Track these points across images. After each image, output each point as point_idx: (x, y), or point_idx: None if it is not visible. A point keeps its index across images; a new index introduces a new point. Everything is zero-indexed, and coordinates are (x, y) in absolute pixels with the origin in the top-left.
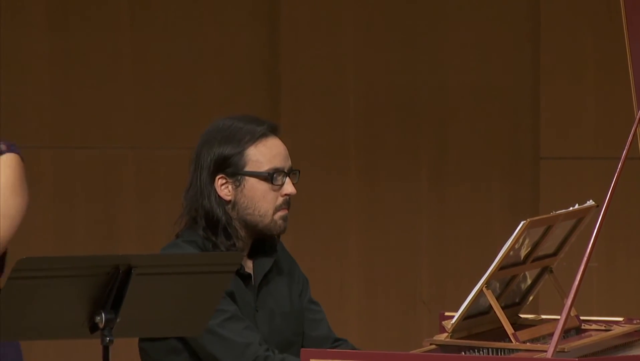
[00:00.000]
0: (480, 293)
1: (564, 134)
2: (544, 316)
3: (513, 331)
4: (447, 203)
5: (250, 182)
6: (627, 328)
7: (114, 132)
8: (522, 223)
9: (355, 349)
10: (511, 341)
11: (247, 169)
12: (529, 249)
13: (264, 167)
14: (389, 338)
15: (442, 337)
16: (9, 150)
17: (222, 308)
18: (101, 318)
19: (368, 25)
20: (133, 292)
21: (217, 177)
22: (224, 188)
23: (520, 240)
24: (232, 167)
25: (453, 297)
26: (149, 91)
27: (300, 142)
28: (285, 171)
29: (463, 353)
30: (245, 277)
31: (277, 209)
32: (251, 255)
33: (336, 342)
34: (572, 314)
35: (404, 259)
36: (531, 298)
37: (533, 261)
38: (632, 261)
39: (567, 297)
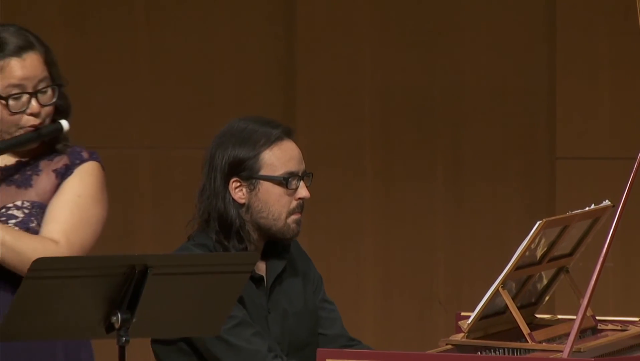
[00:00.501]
0: (496, 293)
1: (580, 134)
2: (560, 316)
3: (529, 331)
4: (463, 203)
5: (265, 186)
6: None
7: (130, 132)
8: (538, 223)
9: (369, 348)
10: (527, 341)
11: (262, 172)
12: (545, 249)
13: (279, 171)
14: (405, 338)
15: (459, 337)
16: (91, 158)
17: (231, 314)
18: (117, 318)
19: (384, 25)
20: (149, 292)
21: (232, 180)
22: (238, 191)
23: (537, 240)
24: (246, 171)
25: (469, 297)
26: (165, 91)
27: (316, 143)
28: (300, 174)
29: (479, 353)
30: (256, 279)
31: (290, 213)
32: (263, 257)
33: (350, 341)
34: (588, 314)
35: (420, 259)
36: (547, 298)
37: (549, 261)
38: None
39: (583, 297)
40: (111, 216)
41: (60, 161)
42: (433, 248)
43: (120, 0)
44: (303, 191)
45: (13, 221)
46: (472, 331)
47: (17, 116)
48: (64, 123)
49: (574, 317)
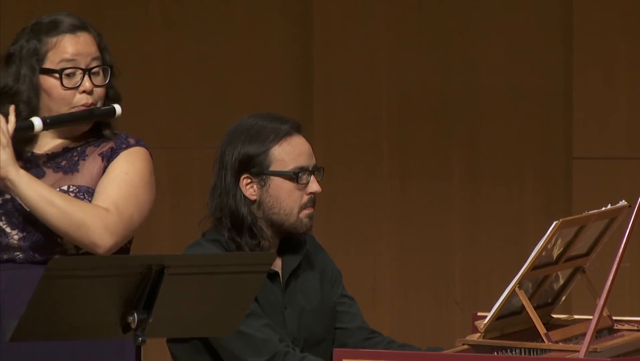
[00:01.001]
0: (512, 293)
1: (596, 134)
2: (576, 316)
3: (545, 331)
4: (479, 203)
5: (276, 181)
6: None
7: (147, 131)
8: (554, 223)
9: (391, 341)
10: (544, 341)
11: (272, 168)
12: (562, 249)
13: (289, 167)
14: (421, 338)
15: (475, 337)
16: (137, 144)
17: None
18: (134, 318)
19: (401, 25)
20: (165, 292)
21: (242, 177)
22: (249, 188)
23: (553, 240)
24: (256, 167)
25: (485, 297)
26: (182, 90)
27: (333, 143)
28: (310, 169)
29: (495, 353)
30: (271, 275)
31: (302, 208)
32: (279, 253)
33: (372, 334)
34: (604, 314)
35: (436, 260)
36: (564, 298)
37: (565, 261)
38: None
39: (599, 297)
40: None
41: (107, 145)
42: (449, 248)
43: (136, 0)
44: (314, 186)
45: None
46: (488, 331)
47: (69, 92)
48: (117, 107)
49: (591, 317)
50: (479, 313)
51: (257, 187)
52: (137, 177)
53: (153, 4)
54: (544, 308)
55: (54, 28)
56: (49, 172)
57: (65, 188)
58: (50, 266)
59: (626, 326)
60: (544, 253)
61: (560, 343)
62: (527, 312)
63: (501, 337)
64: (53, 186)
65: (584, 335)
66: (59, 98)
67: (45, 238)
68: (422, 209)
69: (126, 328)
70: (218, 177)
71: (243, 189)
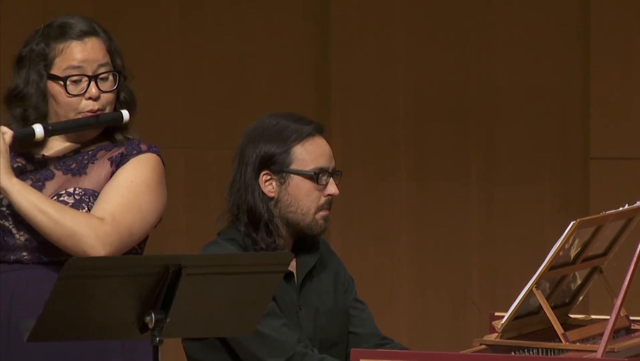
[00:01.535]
0: (530, 293)
1: (614, 134)
2: (593, 317)
3: (563, 331)
4: (497, 203)
5: (295, 180)
6: None
7: (164, 132)
8: (571, 223)
9: (403, 348)
10: (561, 341)
11: (293, 167)
12: (579, 249)
13: (310, 166)
14: (439, 338)
15: (492, 337)
16: (149, 150)
17: None
18: (151, 318)
19: (418, 24)
20: (183, 292)
21: (262, 173)
22: (268, 185)
23: (570, 240)
24: (277, 165)
25: (503, 297)
26: (200, 90)
27: (350, 142)
28: (330, 171)
29: (513, 353)
30: (287, 275)
31: (319, 209)
32: (294, 253)
33: (383, 340)
34: (622, 314)
35: (454, 259)
36: (581, 298)
37: (583, 261)
38: None
39: (617, 297)
40: None
41: (117, 151)
42: (467, 248)
43: (154, 1)
44: (332, 188)
45: None
46: (505, 331)
47: (75, 99)
48: (125, 113)
49: (608, 317)
50: (497, 313)
51: (276, 184)
52: (143, 185)
53: (171, 5)
54: (562, 308)
55: (62, 34)
56: (58, 174)
57: (71, 190)
58: (68, 266)
59: None
60: (561, 253)
61: (577, 343)
62: (545, 312)
63: (518, 337)
64: (60, 187)
65: (601, 335)
66: (65, 104)
67: None
68: (439, 209)
69: (143, 328)
70: (237, 173)
71: (262, 185)
